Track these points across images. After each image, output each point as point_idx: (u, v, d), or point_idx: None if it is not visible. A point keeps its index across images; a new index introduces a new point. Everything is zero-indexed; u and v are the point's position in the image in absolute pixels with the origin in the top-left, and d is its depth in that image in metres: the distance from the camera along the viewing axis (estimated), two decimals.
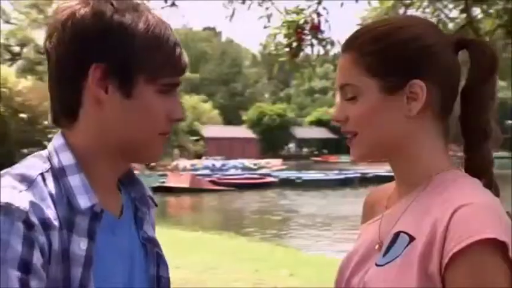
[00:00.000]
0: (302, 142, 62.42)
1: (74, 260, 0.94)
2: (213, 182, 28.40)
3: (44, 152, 1.03)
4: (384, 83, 1.03)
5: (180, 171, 31.77)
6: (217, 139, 55.71)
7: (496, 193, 1.03)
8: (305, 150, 62.58)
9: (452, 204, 0.94)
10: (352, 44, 1.06)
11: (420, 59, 1.03)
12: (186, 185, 26.18)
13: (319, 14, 5.77)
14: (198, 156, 46.32)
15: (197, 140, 50.17)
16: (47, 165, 1.00)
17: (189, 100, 46.87)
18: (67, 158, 1.00)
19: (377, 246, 1.05)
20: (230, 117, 67.64)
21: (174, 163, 34.54)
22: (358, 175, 31.95)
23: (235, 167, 35.86)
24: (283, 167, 41.68)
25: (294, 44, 5.57)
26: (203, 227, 15.31)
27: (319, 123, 61.61)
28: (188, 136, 46.29)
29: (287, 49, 5.59)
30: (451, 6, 6.24)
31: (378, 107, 1.03)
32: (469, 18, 6.11)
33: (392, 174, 1.11)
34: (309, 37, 5.57)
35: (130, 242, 1.07)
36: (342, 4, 5.92)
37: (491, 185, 1.04)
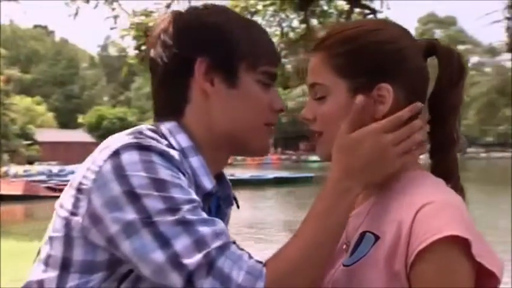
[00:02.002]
0: None
1: None
2: (51, 189, 26.80)
3: (157, 129, 1.04)
4: (352, 84, 1.03)
5: (11, 177, 29.54)
6: (52, 143, 52.76)
7: (462, 195, 1.04)
8: None
9: (416, 203, 0.95)
10: (322, 44, 1.07)
11: (389, 63, 1.03)
12: (19, 192, 24.42)
13: None
14: (31, 162, 43.44)
15: (30, 145, 47.05)
16: (166, 142, 1.01)
17: (21, 102, 43.78)
18: (184, 140, 1.04)
19: (344, 246, 1.06)
20: (66, 121, 64.39)
21: (4, 169, 32.04)
22: None
23: (73, 173, 34.13)
24: None
25: (143, 47, 5.53)
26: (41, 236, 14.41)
27: None
28: (20, 140, 43.23)
29: (136, 52, 5.53)
30: (292, 16, 6.63)
31: (345, 107, 1.02)
32: (308, 29, 6.56)
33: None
34: None
35: None
36: None
37: (457, 188, 1.06)
